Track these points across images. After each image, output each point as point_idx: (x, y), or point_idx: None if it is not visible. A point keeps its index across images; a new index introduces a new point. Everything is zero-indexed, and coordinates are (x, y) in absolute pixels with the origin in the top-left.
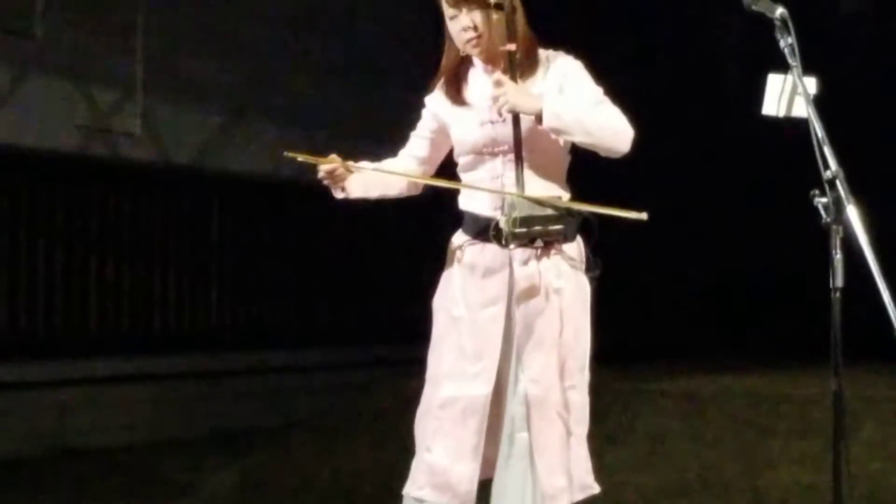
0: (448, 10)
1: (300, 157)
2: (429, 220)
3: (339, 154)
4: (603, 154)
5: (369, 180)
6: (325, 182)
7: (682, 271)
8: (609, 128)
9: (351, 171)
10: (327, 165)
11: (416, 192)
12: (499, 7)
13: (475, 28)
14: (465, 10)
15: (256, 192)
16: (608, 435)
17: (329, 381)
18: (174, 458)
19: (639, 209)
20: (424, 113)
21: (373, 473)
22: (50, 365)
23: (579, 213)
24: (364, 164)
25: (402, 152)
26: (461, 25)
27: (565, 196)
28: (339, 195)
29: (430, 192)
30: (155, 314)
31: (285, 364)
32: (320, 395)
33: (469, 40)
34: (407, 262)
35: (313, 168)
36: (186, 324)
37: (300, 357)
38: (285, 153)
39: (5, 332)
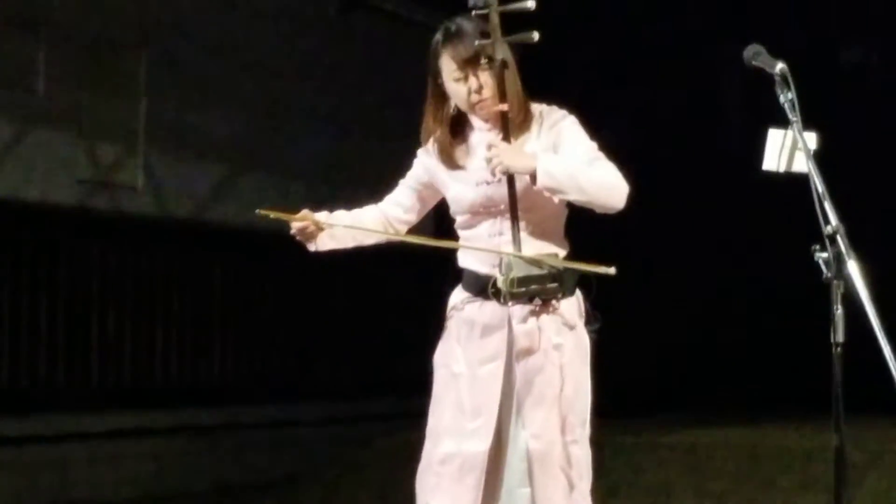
0: (454, 73)
1: (272, 215)
2: (429, 276)
3: (342, 204)
4: (598, 211)
5: (337, 232)
6: (298, 238)
7: (685, 324)
8: (603, 185)
9: (321, 228)
10: (298, 223)
11: (396, 240)
12: (504, 65)
13: (481, 90)
14: (471, 73)
15: (258, 245)
16: (611, 488)
17: (331, 434)
18: None
19: (608, 263)
20: (416, 164)
21: None
22: (51, 419)
23: (576, 268)
24: (337, 215)
25: (388, 198)
26: (469, 88)
27: (562, 252)
28: (311, 248)
29: (431, 247)
30: (156, 368)
31: (287, 418)
32: (322, 448)
33: (477, 102)
34: (407, 316)
35: (288, 224)
36: (188, 378)
37: (301, 411)
38: (258, 211)
39: (7, 385)
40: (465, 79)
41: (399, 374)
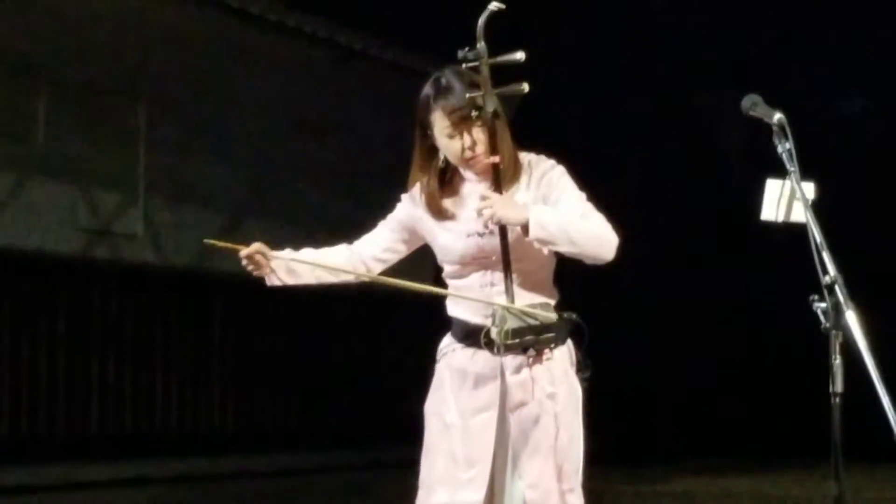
0: (447, 129)
1: (220, 245)
2: (423, 325)
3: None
4: (588, 262)
5: (296, 268)
6: (248, 268)
7: (684, 374)
8: (594, 237)
9: (267, 258)
10: (245, 251)
11: (366, 279)
12: (496, 116)
13: (475, 146)
14: (465, 129)
15: (256, 293)
16: None
17: (330, 483)
18: None
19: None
20: (399, 208)
21: None
22: (51, 469)
23: (570, 317)
24: (301, 252)
25: (365, 237)
26: (462, 145)
27: (552, 301)
28: (268, 283)
29: (427, 297)
30: (156, 416)
31: (285, 467)
32: (322, 497)
33: (470, 158)
34: (402, 364)
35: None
36: (187, 426)
37: (300, 459)
38: (205, 241)
39: (7, 435)
40: (459, 135)
41: (397, 421)
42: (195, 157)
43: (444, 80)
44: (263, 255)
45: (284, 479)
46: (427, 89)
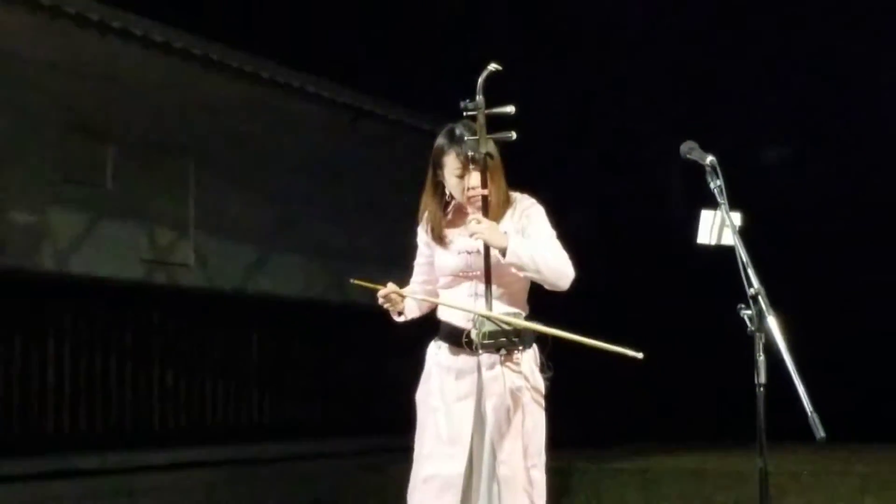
0: (457, 170)
1: (364, 284)
2: (416, 338)
3: (355, 276)
4: (548, 288)
5: (413, 305)
6: (385, 305)
7: (635, 371)
8: (555, 270)
9: (403, 297)
10: (384, 291)
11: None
12: (490, 157)
13: (478, 187)
14: (473, 172)
15: (288, 311)
16: None
17: (345, 465)
18: None
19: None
20: (419, 243)
21: None
22: (121, 455)
23: (537, 330)
24: (408, 291)
25: (413, 280)
26: (468, 185)
27: (523, 313)
28: (397, 319)
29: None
30: (207, 413)
31: (311, 452)
32: (339, 477)
33: (470, 196)
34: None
35: (370, 294)
36: (231, 420)
37: (322, 446)
38: (351, 280)
39: (86, 429)
40: (465, 176)
41: (395, 414)
42: (234, 200)
43: (457, 131)
44: (399, 294)
45: (310, 462)
46: (442, 138)
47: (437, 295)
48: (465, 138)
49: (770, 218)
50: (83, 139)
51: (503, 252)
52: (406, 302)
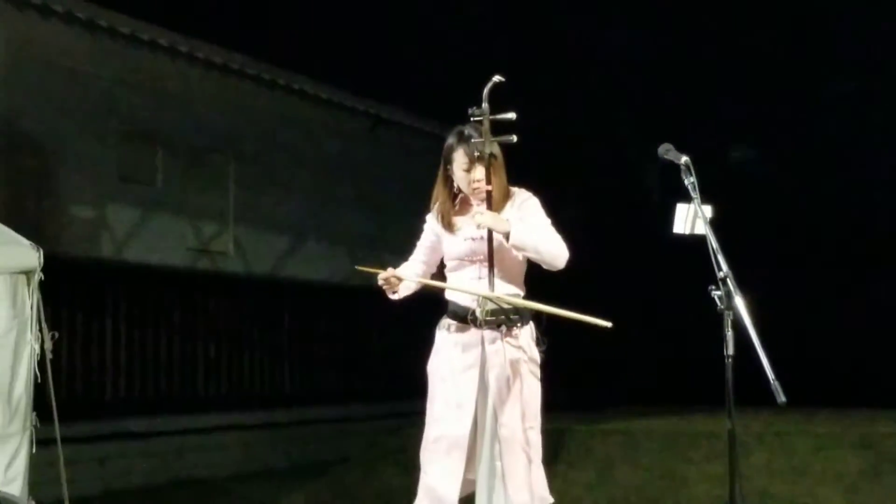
0: (464, 165)
1: (366, 269)
2: (426, 316)
3: (373, 263)
4: (546, 267)
5: (412, 288)
6: (383, 286)
7: (623, 344)
8: (552, 251)
9: (400, 279)
10: (383, 274)
11: (443, 287)
12: (493, 157)
13: (481, 180)
14: (477, 167)
15: (314, 293)
16: (569, 463)
17: (366, 427)
18: (259, 485)
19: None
20: (426, 229)
21: (399, 492)
22: (170, 419)
23: (532, 307)
24: (402, 273)
25: (411, 258)
26: (473, 178)
27: (521, 292)
28: (392, 297)
29: (430, 297)
30: (244, 381)
31: (337, 417)
32: (362, 437)
33: (475, 188)
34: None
35: (374, 277)
36: (267, 389)
37: (347, 411)
38: (356, 266)
39: (138, 395)
40: (470, 171)
41: (411, 382)
42: (268, 197)
43: (465, 132)
44: (397, 278)
45: (336, 424)
46: (452, 137)
47: (430, 273)
48: (472, 139)
49: (737, 210)
50: (136, 144)
51: (507, 236)
52: (403, 287)
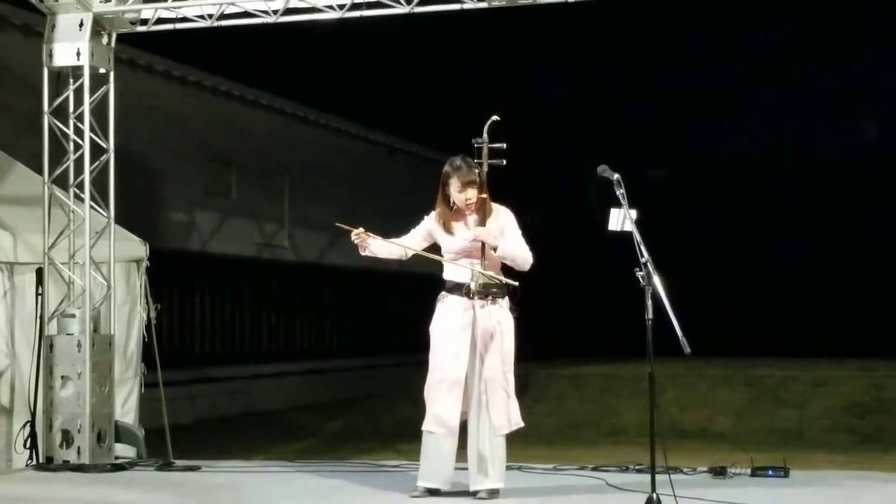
0: (458, 187)
1: (344, 227)
2: (430, 292)
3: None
4: (516, 269)
5: (382, 248)
6: (356, 241)
7: (578, 313)
8: (523, 258)
9: (369, 236)
10: (357, 231)
11: (406, 258)
12: (488, 175)
13: (471, 199)
14: (468, 189)
15: (349, 276)
16: (533, 398)
17: (387, 374)
18: (309, 415)
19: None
20: (424, 223)
21: (411, 420)
22: (241, 368)
23: (507, 283)
24: (374, 236)
25: (405, 236)
26: (466, 197)
27: (501, 276)
28: (364, 253)
29: (432, 278)
30: (297, 340)
31: (365, 365)
32: (383, 380)
33: (469, 204)
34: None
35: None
36: (313, 345)
37: (372, 360)
38: (336, 224)
39: (220, 350)
40: (464, 192)
41: (418, 338)
42: (314, 205)
43: (457, 162)
44: (367, 234)
45: (362, 371)
46: (448, 165)
47: (409, 252)
48: (464, 166)
49: (655, 213)
50: (216, 166)
51: (494, 249)
52: (373, 244)
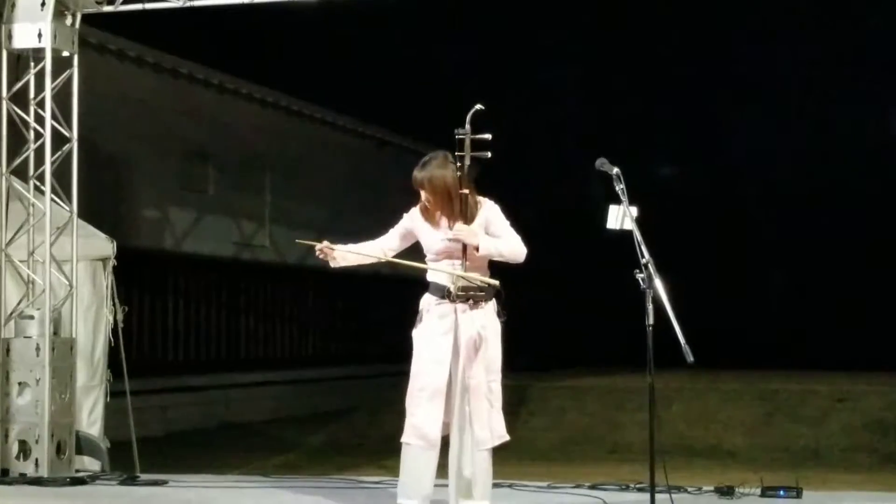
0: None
1: (306, 242)
2: (410, 295)
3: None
4: (512, 263)
5: (352, 258)
6: (320, 256)
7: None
8: (512, 251)
9: (332, 249)
10: (319, 246)
11: (384, 260)
12: (471, 168)
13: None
14: (422, 192)
15: (333, 279)
16: (530, 411)
17: (371, 384)
18: (289, 428)
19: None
20: (403, 221)
21: (397, 433)
22: (218, 376)
23: (489, 283)
24: (348, 246)
25: (382, 238)
26: (425, 199)
27: (481, 278)
28: (332, 265)
29: (415, 282)
30: (276, 347)
31: (348, 375)
32: (367, 391)
33: (430, 207)
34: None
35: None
36: (294, 352)
37: (357, 370)
38: (297, 241)
39: (193, 357)
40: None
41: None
42: (297, 201)
43: (427, 158)
44: (331, 248)
45: (347, 381)
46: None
47: (391, 255)
48: (418, 166)
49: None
50: (193, 161)
51: (476, 248)
52: (340, 256)
